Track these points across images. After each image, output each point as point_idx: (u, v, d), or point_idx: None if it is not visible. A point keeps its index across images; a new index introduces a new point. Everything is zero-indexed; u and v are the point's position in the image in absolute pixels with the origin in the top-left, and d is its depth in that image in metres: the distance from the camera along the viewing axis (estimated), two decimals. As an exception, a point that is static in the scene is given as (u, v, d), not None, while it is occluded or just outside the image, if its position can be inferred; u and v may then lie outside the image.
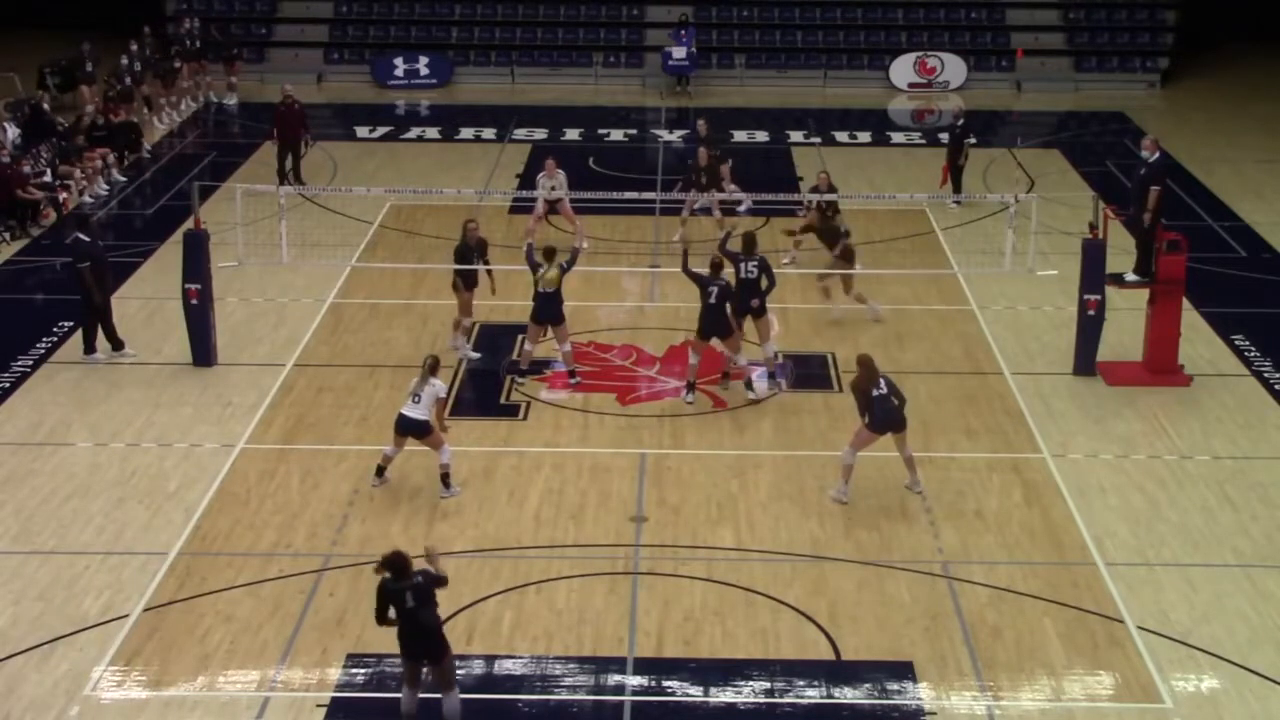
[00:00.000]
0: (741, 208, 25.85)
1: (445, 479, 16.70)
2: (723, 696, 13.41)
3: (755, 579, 15.20)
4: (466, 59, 38.80)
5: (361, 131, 33.47)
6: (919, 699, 13.37)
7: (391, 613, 12.42)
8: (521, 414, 19.03)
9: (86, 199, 27.52)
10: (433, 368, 16.40)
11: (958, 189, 27.21)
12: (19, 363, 20.29)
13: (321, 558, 15.55)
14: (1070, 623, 14.50)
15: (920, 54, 38.30)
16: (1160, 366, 19.89)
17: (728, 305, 19.02)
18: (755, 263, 19.25)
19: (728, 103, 36.58)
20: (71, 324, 21.09)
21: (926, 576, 15.27)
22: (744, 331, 19.45)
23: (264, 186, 23.96)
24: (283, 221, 20.76)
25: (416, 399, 16.34)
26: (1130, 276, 20.16)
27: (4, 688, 13.35)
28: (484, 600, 14.71)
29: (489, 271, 20.58)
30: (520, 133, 33.35)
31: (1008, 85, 38.21)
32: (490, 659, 13.86)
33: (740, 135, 33.39)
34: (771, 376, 19.56)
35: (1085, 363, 20.00)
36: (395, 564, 12.38)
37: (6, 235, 25.16)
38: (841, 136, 33.49)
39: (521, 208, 26.46)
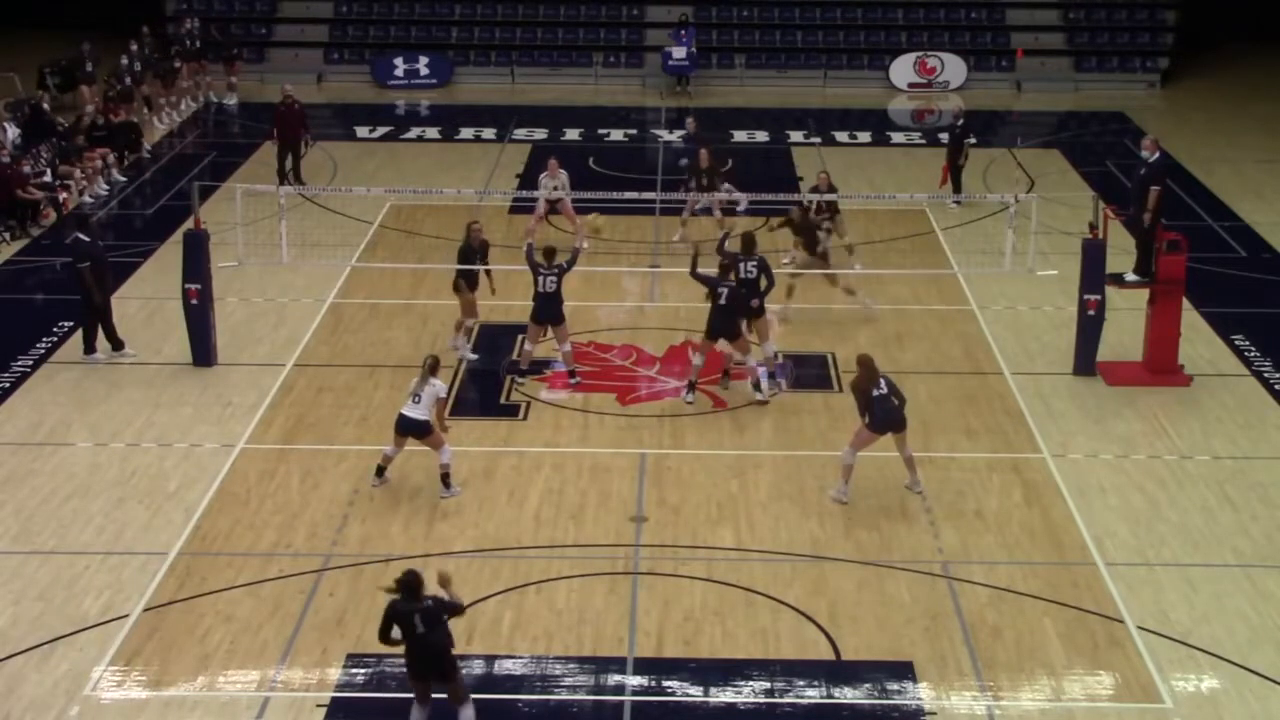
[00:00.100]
0: (740, 207, 25.85)
1: (445, 479, 16.70)
2: (723, 696, 13.41)
3: (755, 579, 15.20)
4: (466, 59, 38.81)
5: (361, 131, 33.47)
6: (919, 699, 13.37)
7: (397, 632, 12.35)
8: (521, 414, 19.03)
9: (86, 199, 27.52)
10: (433, 368, 16.40)
11: (958, 189, 27.21)
12: (19, 363, 20.29)
13: (321, 558, 15.55)
14: (1070, 623, 14.50)
15: (920, 54, 38.30)
16: (1160, 366, 19.89)
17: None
18: (754, 263, 19.26)
19: (728, 103, 36.60)
20: (71, 324, 21.09)
21: (926, 576, 15.27)
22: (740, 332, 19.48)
23: (264, 186, 23.96)
24: (283, 221, 20.76)
25: (416, 399, 16.34)
26: (1130, 276, 20.16)
27: (4, 688, 13.36)
28: (484, 600, 14.70)
29: (488, 272, 20.58)
30: (520, 133, 33.35)
31: (1008, 85, 38.21)
32: (490, 659, 13.86)
33: (740, 135, 33.40)
34: (771, 376, 19.55)
35: (1085, 363, 20.00)
36: (409, 584, 12.28)
37: (6, 235, 25.17)
38: (841, 136, 33.49)
39: (521, 208, 26.47)
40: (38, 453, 17.86)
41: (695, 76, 37.44)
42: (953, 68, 38.10)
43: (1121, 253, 20.72)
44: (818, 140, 32.98)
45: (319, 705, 13.17)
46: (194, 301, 19.89)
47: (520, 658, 13.91)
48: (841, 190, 24.57)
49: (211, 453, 17.84)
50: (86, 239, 20.29)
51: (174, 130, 33.45)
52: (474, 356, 20.45)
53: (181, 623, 14.36)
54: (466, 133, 33.60)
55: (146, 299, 22.50)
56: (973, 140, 28.22)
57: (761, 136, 33.53)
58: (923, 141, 33.39)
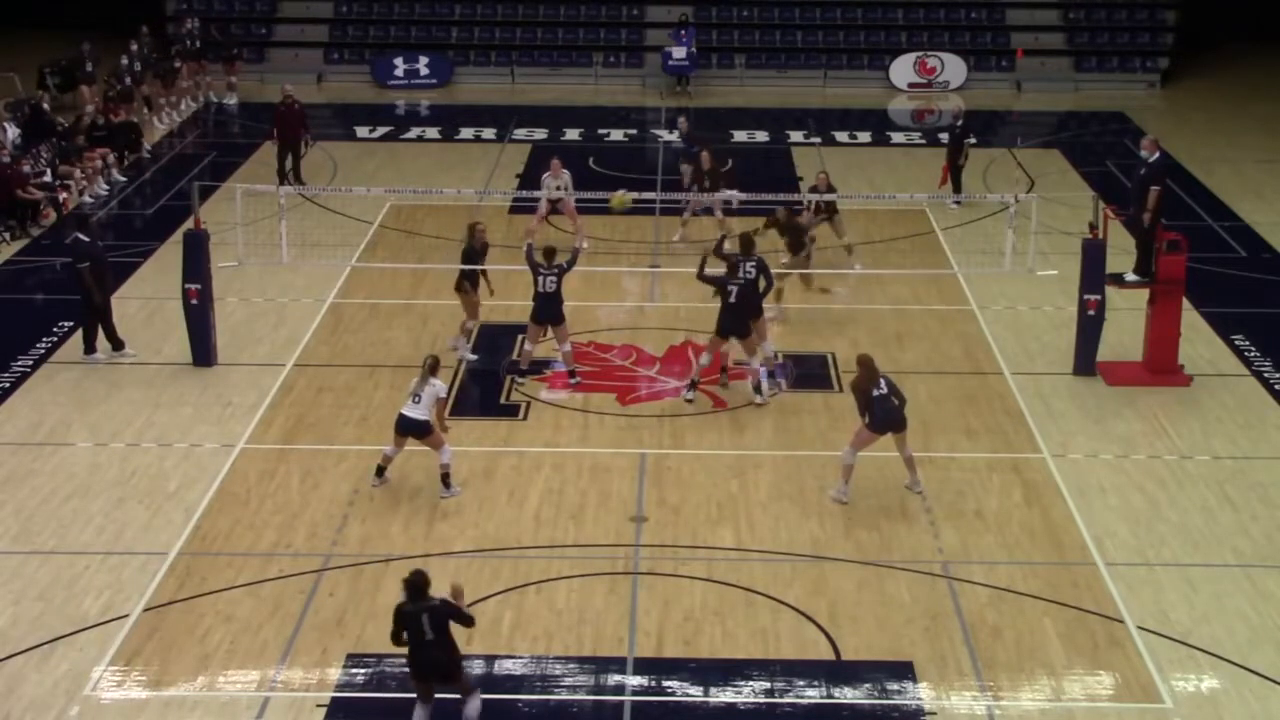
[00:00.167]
0: (732, 204, 25.77)
1: (445, 479, 16.70)
2: (723, 696, 13.41)
3: (755, 579, 15.20)
4: (466, 59, 38.80)
5: (361, 131, 33.47)
6: (919, 699, 13.37)
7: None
8: (521, 414, 19.03)
9: (86, 199, 27.52)
10: (433, 368, 16.40)
11: (958, 189, 27.21)
12: (19, 363, 20.29)
13: (321, 558, 15.55)
14: (1070, 623, 14.50)
15: (920, 54, 38.30)
16: (1160, 366, 19.89)
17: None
18: (753, 263, 19.25)
19: (728, 103, 36.60)
20: (71, 324, 21.09)
21: (926, 576, 15.28)
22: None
23: (264, 186, 23.96)
24: (283, 221, 20.76)
25: (417, 399, 16.34)
26: (1130, 276, 20.16)
27: (4, 688, 13.36)
28: (484, 600, 14.70)
29: (484, 273, 20.56)
30: (520, 133, 33.35)
31: (1008, 85, 38.21)
32: (490, 659, 13.86)
33: (740, 135, 33.40)
34: (771, 376, 19.55)
35: (1085, 363, 20.00)
36: (414, 583, 12.27)
37: (6, 235, 25.17)
38: (841, 136, 33.49)
39: (521, 208, 26.47)
40: (38, 453, 17.86)
41: (695, 76, 37.45)
42: (953, 68, 38.10)
43: (1121, 253, 20.72)
44: (818, 140, 32.98)
45: (319, 705, 13.17)
46: (194, 301, 19.89)
47: (520, 658, 13.91)
48: (841, 190, 24.57)
49: (211, 453, 17.84)
50: (86, 239, 20.29)
51: (174, 130, 33.45)
52: (474, 357, 20.44)
53: (181, 623, 14.36)
54: (466, 133, 33.60)
55: (146, 299, 22.50)
56: (973, 140, 28.22)
57: (761, 136, 33.53)
58: (923, 141, 33.40)
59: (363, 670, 13.65)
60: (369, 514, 16.42)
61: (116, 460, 17.67)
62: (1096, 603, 14.84)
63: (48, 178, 26.92)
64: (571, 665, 13.83)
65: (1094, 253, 19.68)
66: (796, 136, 33.42)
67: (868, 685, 13.55)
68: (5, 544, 15.82)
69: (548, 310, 19.37)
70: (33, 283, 23.74)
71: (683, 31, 37.37)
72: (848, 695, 13.44)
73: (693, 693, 13.47)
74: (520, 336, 20.35)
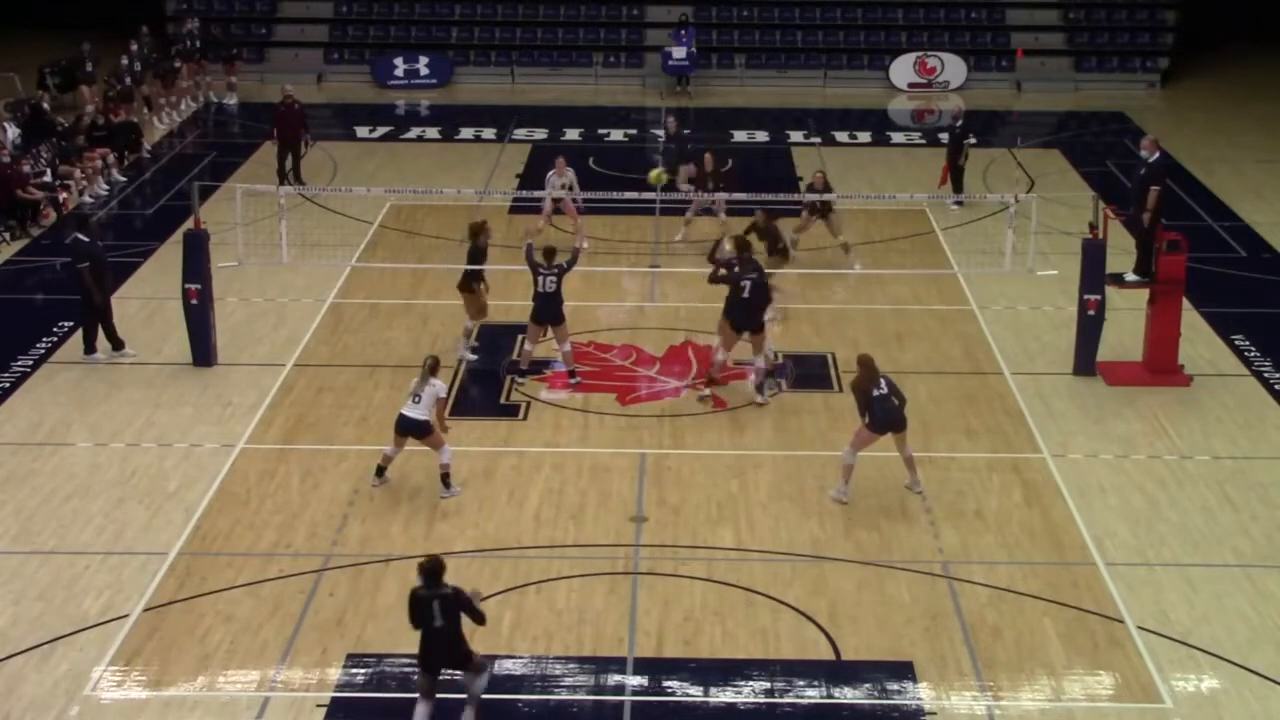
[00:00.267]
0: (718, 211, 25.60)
1: (445, 479, 16.70)
2: (723, 696, 13.41)
3: (755, 579, 15.20)
4: (466, 59, 38.80)
5: (361, 131, 33.47)
6: (919, 699, 13.37)
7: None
8: (521, 414, 19.03)
9: (86, 199, 27.52)
10: (433, 368, 16.40)
11: (958, 189, 27.20)
12: (19, 363, 20.29)
13: (321, 558, 15.55)
14: (1070, 623, 14.50)
15: (920, 54, 38.30)
16: (1160, 366, 19.89)
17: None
18: (754, 272, 19.22)
19: (728, 103, 36.61)
20: (71, 324, 21.09)
21: (926, 576, 15.28)
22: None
23: (264, 186, 23.96)
24: (283, 221, 20.76)
25: (417, 399, 16.35)
26: (1130, 276, 20.16)
27: (4, 688, 13.36)
28: (484, 600, 14.65)
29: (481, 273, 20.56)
30: (520, 133, 33.35)
31: (1008, 85, 38.21)
32: (490, 659, 13.83)
33: (740, 135, 33.40)
34: (771, 375, 19.55)
35: (1085, 363, 20.00)
36: (431, 570, 12.36)
37: (6, 235, 25.17)
38: (841, 136, 33.49)
39: (521, 208, 26.48)
40: (38, 453, 17.86)
41: (695, 76, 37.45)
42: (953, 68, 38.10)
43: (1121, 253, 20.73)
44: (818, 140, 32.98)
45: (319, 705, 13.17)
46: (194, 301, 19.89)
47: (520, 658, 13.91)
48: (842, 190, 24.56)
49: (211, 453, 17.84)
50: (86, 239, 20.28)
51: (174, 130, 33.44)
52: (474, 357, 20.44)
53: (181, 623, 14.36)
54: (466, 133, 33.60)
55: (146, 299, 22.51)
56: (972, 140, 28.22)
57: (761, 136, 33.53)
58: (923, 141, 33.39)
59: (363, 670, 13.66)
60: (369, 514, 16.42)
61: (116, 460, 17.67)
62: (1096, 603, 14.84)
63: (48, 178, 26.92)
64: (571, 665, 13.83)
65: (1094, 253, 19.68)
66: (796, 136, 33.42)
67: (868, 685, 13.55)
68: (5, 544, 15.82)
69: (548, 310, 19.37)
70: (33, 283, 23.74)
71: (683, 31, 37.37)
72: (848, 695, 13.44)
73: (693, 693, 13.47)
74: (520, 336, 20.35)
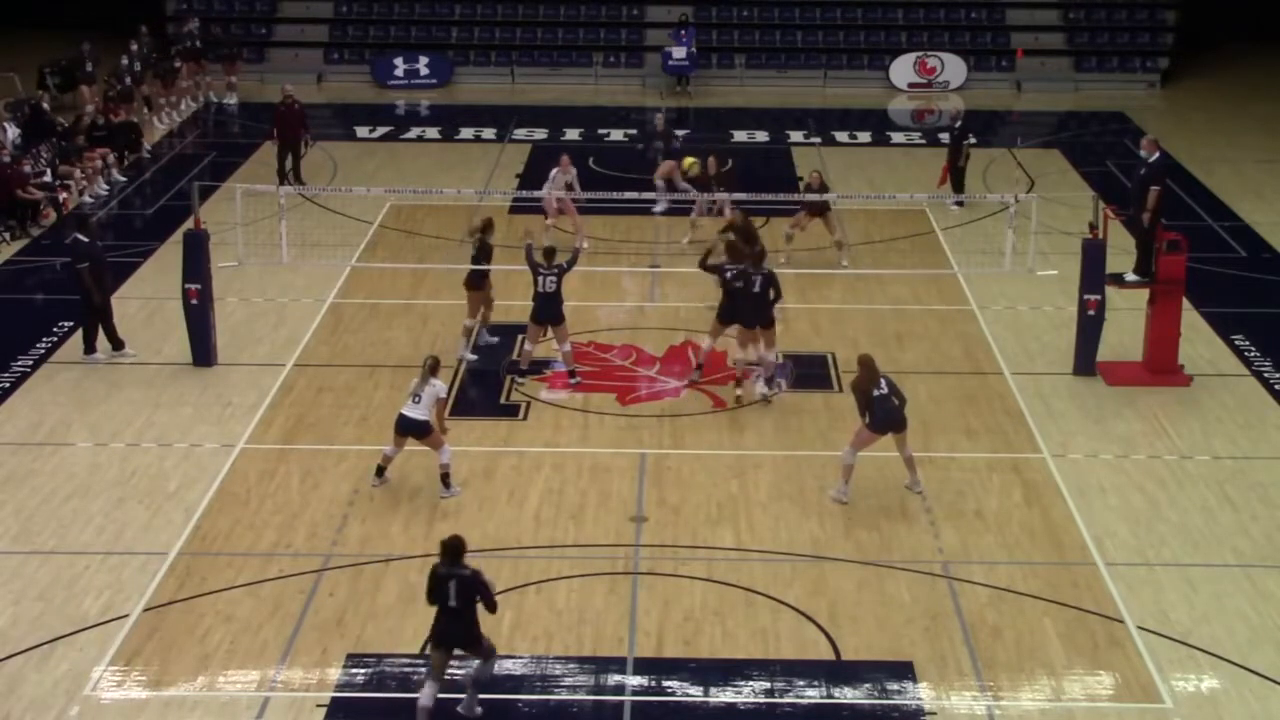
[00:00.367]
0: (694, 211, 25.54)
1: (445, 479, 16.70)
2: (723, 696, 13.41)
3: (755, 579, 15.20)
4: (466, 59, 38.80)
5: (361, 131, 33.47)
6: (919, 699, 13.37)
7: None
8: (521, 414, 19.03)
9: (86, 199, 27.52)
10: (433, 368, 16.40)
11: (959, 189, 27.20)
12: (19, 363, 20.29)
13: (321, 558, 15.55)
14: (1070, 623, 14.50)
15: (920, 54, 38.30)
16: (1160, 366, 19.89)
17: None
18: (760, 275, 19.22)
19: (728, 103, 36.61)
20: (71, 324, 21.09)
21: (926, 576, 15.27)
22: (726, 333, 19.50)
23: (264, 186, 23.96)
24: (283, 221, 20.76)
25: (417, 399, 16.35)
26: (1130, 276, 20.17)
27: (4, 688, 13.35)
28: (484, 600, 14.70)
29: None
30: (520, 133, 33.35)
31: (1008, 85, 38.21)
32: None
33: (740, 135, 33.41)
34: (771, 377, 19.54)
35: (1085, 363, 20.00)
36: (450, 546, 12.65)
37: (6, 235, 25.17)
38: (841, 136, 33.49)
39: (521, 208, 26.47)
40: (38, 453, 17.86)
41: (695, 76, 37.45)
42: (953, 68, 38.10)
43: (1121, 253, 20.73)
44: (818, 140, 32.98)
45: (319, 705, 13.17)
46: (194, 301, 19.89)
47: (520, 658, 13.91)
48: (842, 190, 24.57)
49: (211, 453, 17.84)
50: (85, 239, 20.28)
51: (174, 130, 33.44)
52: (474, 357, 20.45)
53: (181, 623, 14.36)
54: (466, 133, 33.60)
55: (146, 299, 22.50)
56: (972, 140, 28.21)
57: (761, 136, 33.53)
58: (923, 141, 33.40)
59: (363, 670, 13.65)
60: (369, 514, 16.42)
61: (116, 460, 17.67)
62: (1096, 603, 14.84)
63: (48, 178, 26.92)
64: (571, 665, 13.83)
65: (1094, 253, 19.68)
66: (796, 136, 33.42)
67: (868, 685, 13.55)
68: (5, 544, 15.82)
69: (548, 310, 19.37)
70: (33, 283, 23.73)
71: (683, 31, 37.37)
72: (848, 695, 13.43)
73: (693, 693, 13.47)
74: (520, 336, 20.35)
